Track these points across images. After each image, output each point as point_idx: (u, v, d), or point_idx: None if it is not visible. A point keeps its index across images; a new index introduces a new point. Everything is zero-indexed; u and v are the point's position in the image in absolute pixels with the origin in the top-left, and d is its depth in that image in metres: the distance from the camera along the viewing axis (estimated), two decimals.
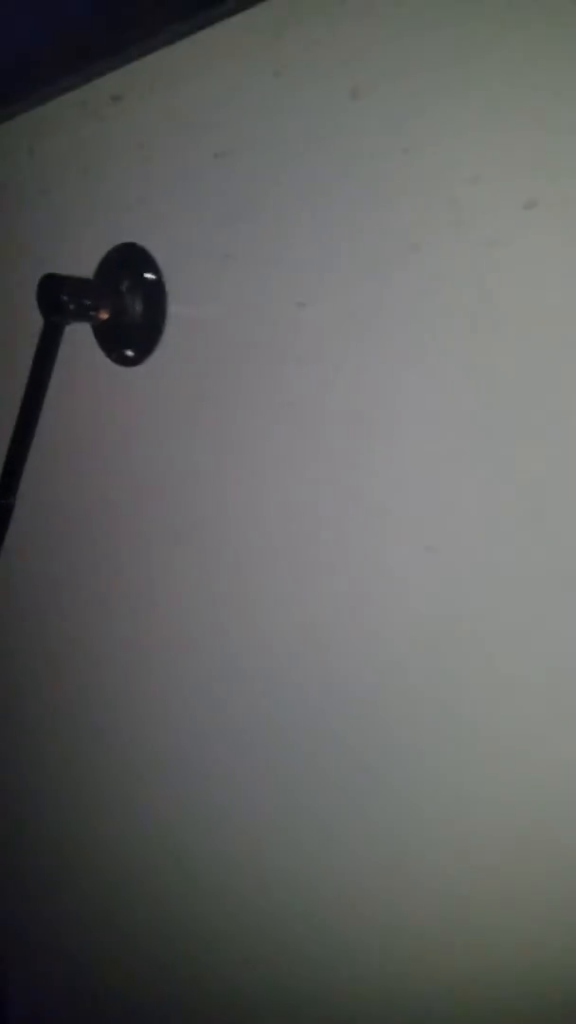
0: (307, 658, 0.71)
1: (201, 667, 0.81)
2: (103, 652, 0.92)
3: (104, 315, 0.79)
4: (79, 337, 0.83)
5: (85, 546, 0.92)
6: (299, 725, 0.73)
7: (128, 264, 0.80)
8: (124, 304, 0.80)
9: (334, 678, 0.69)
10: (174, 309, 0.79)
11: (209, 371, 0.77)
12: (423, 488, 0.61)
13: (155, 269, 0.78)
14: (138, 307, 0.80)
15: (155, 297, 0.79)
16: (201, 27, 0.70)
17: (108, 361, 0.84)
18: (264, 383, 0.72)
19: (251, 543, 0.75)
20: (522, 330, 0.55)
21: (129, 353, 0.82)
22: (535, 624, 0.56)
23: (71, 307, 0.77)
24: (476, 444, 0.58)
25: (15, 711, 1.06)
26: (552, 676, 0.55)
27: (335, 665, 0.69)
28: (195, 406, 0.78)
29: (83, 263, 0.83)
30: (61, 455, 0.90)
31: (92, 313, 0.79)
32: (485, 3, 0.54)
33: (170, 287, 0.78)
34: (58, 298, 0.76)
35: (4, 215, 0.91)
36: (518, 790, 0.58)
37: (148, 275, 0.78)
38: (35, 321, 0.79)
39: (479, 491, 0.58)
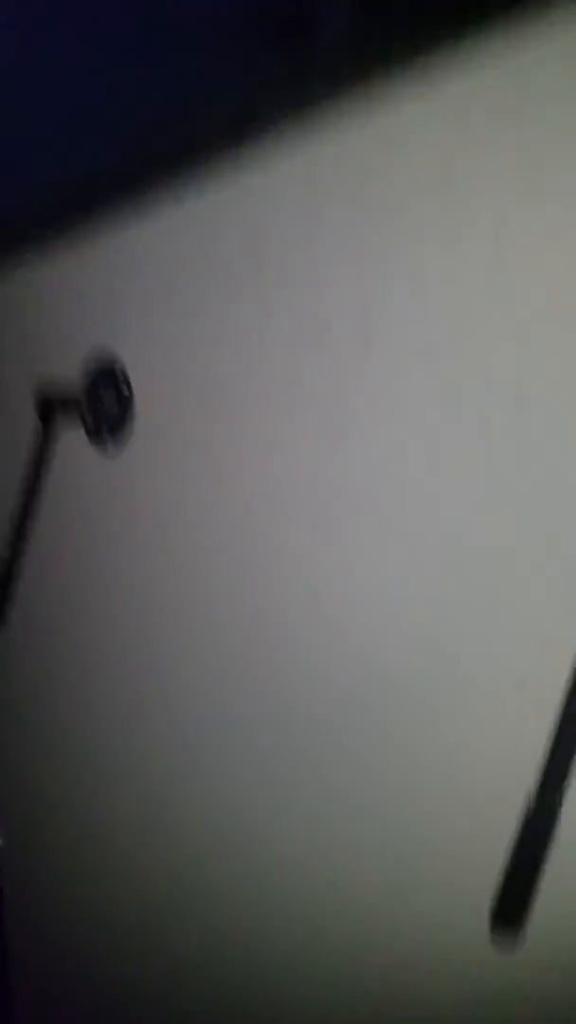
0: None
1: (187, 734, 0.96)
2: (99, 705, 1.08)
3: (89, 415, 0.96)
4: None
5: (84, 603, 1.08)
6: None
7: (106, 377, 0.97)
8: (103, 407, 0.96)
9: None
10: (141, 397, 0.96)
11: (169, 458, 0.93)
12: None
13: (125, 377, 0.96)
14: (113, 405, 0.97)
15: (126, 402, 0.96)
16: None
17: (92, 450, 1.00)
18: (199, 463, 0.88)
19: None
20: None
21: (107, 444, 0.99)
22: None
23: (61, 416, 0.94)
24: None
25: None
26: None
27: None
28: (153, 482, 0.95)
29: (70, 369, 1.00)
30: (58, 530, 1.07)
31: (77, 417, 0.96)
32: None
33: (137, 394, 0.95)
34: (51, 409, 0.93)
35: (9, 340, 1.09)
36: None
37: (123, 389, 0.96)
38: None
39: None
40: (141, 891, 1.04)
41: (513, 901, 0.61)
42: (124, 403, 0.96)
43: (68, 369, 1.00)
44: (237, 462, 0.85)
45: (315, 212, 0.75)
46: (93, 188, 0.94)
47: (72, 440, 1.00)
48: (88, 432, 1.00)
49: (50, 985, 1.21)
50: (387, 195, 0.70)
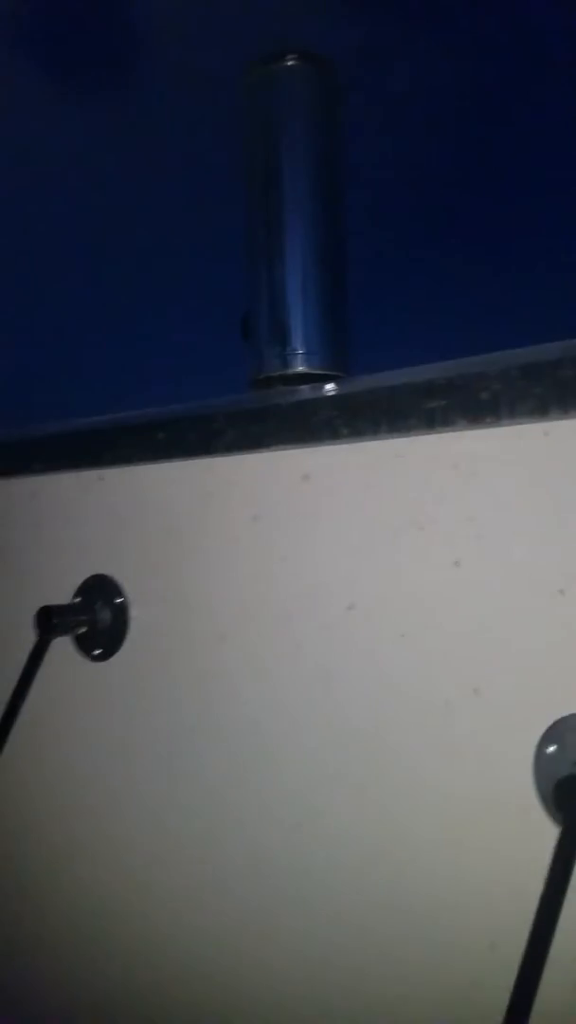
0: None
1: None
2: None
3: (82, 629, 1.06)
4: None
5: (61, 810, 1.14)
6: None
7: (100, 589, 1.07)
8: (97, 618, 1.06)
9: None
10: (135, 614, 1.06)
11: (156, 666, 1.03)
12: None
13: (120, 592, 1.06)
14: (107, 618, 1.06)
15: (120, 611, 1.06)
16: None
17: (81, 657, 1.09)
18: (191, 684, 0.98)
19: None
20: None
21: (98, 652, 1.08)
22: None
23: (59, 627, 1.04)
24: None
25: None
26: None
27: None
28: (145, 693, 1.04)
29: (64, 588, 1.11)
30: (40, 732, 1.14)
31: (74, 628, 1.05)
32: None
33: (131, 602, 1.05)
34: (50, 623, 1.02)
35: (7, 550, 1.18)
36: None
37: (117, 599, 1.05)
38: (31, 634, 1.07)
39: None
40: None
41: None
42: (119, 618, 1.07)
43: (67, 588, 1.11)
44: (228, 692, 0.97)
45: (310, 499, 0.91)
46: (104, 433, 1.08)
47: (67, 652, 1.10)
48: (81, 643, 1.10)
49: None
50: (375, 506, 0.87)
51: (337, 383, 0.95)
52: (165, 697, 1.04)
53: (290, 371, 1.53)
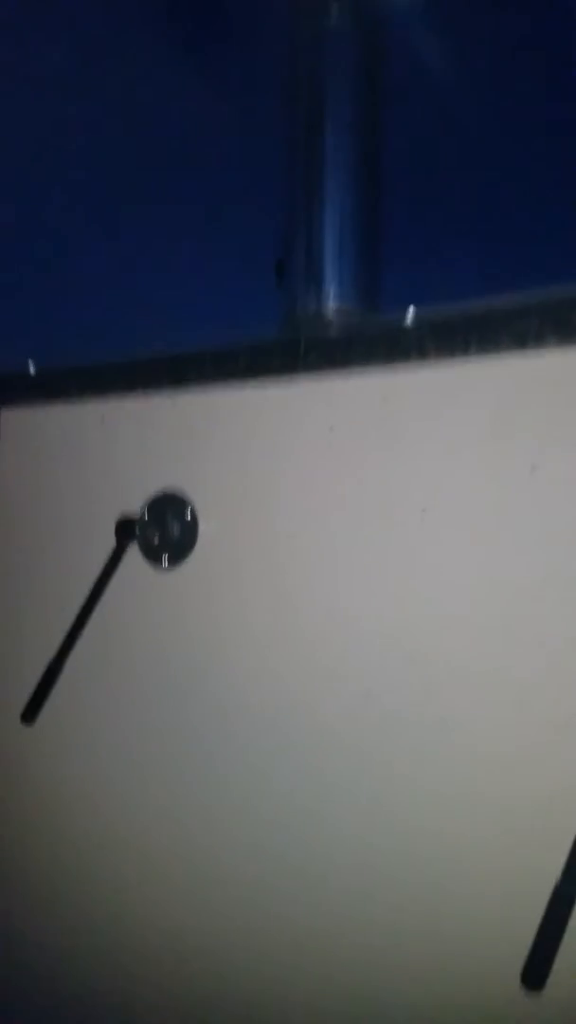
0: None
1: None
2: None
3: (156, 539, 1.12)
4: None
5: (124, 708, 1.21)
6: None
7: (171, 502, 1.14)
8: (167, 530, 1.13)
9: None
10: (204, 527, 1.13)
11: (225, 575, 1.10)
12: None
13: (190, 506, 1.12)
14: (177, 531, 1.13)
15: (190, 523, 1.12)
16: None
17: (150, 567, 1.16)
18: (259, 582, 1.06)
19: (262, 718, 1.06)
20: None
21: (166, 562, 1.14)
22: None
23: (135, 535, 1.10)
24: None
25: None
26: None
27: None
28: (213, 598, 1.11)
29: (134, 503, 1.17)
30: (108, 634, 1.20)
31: (148, 539, 1.12)
32: None
33: (201, 515, 1.12)
34: (131, 531, 1.08)
35: (80, 468, 1.24)
36: None
37: (186, 512, 1.12)
38: (103, 541, 1.13)
39: None
40: None
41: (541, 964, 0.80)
42: (188, 531, 1.13)
43: (137, 502, 1.17)
44: (297, 597, 1.04)
45: (388, 419, 0.98)
46: (181, 359, 1.14)
47: (140, 560, 1.16)
48: (149, 553, 1.16)
49: None
50: (453, 419, 0.94)
51: (419, 309, 1.01)
52: (233, 599, 1.11)
53: (323, 308, 1.60)
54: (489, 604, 0.91)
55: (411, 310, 0.97)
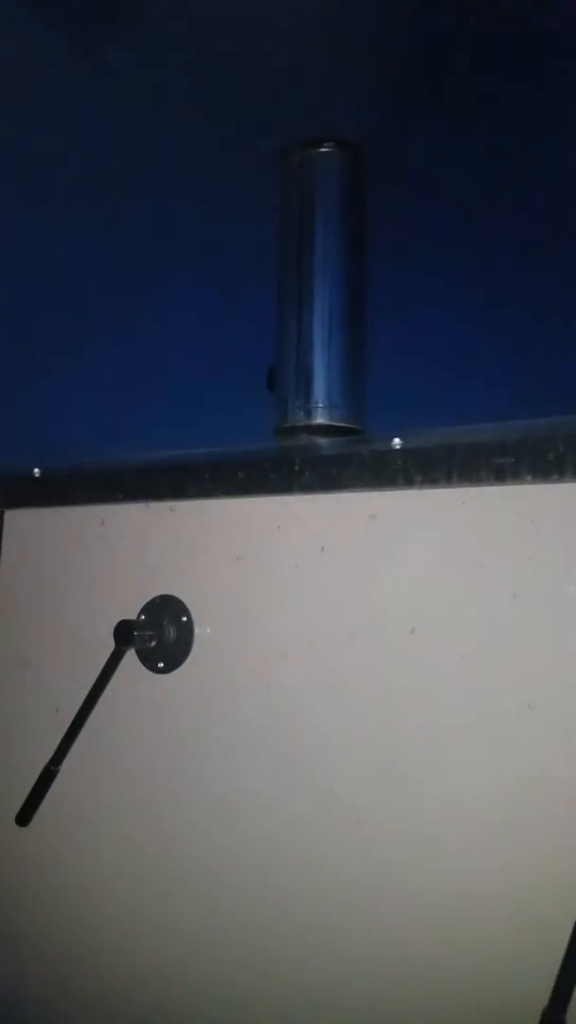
0: None
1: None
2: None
3: (152, 643, 1.17)
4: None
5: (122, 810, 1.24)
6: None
7: (168, 607, 1.19)
8: (164, 634, 1.18)
9: None
10: (199, 631, 1.18)
11: (220, 683, 1.14)
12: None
13: (187, 612, 1.17)
14: (173, 635, 1.18)
15: (186, 628, 1.18)
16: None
17: (145, 670, 1.20)
18: (253, 696, 1.10)
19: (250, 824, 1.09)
20: None
21: (161, 665, 1.19)
22: None
23: (134, 639, 1.15)
24: None
25: None
26: None
27: None
28: (208, 704, 1.15)
29: (131, 607, 1.23)
30: (103, 737, 1.24)
31: (145, 642, 1.16)
32: None
33: (197, 620, 1.17)
34: (130, 635, 1.13)
35: (80, 571, 1.29)
36: None
37: (183, 617, 1.17)
38: (99, 644, 1.18)
39: None
40: None
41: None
42: (185, 637, 1.19)
43: (134, 606, 1.23)
44: (290, 705, 1.09)
45: (377, 539, 1.05)
46: (182, 469, 1.21)
47: (137, 664, 1.21)
48: (146, 657, 1.21)
49: None
50: (439, 544, 1.00)
51: (404, 437, 1.08)
52: (227, 708, 1.16)
53: (312, 423, 1.68)
54: (478, 726, 0.96)
55: (396, 439, 1.04)
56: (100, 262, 1.97)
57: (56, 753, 1.20)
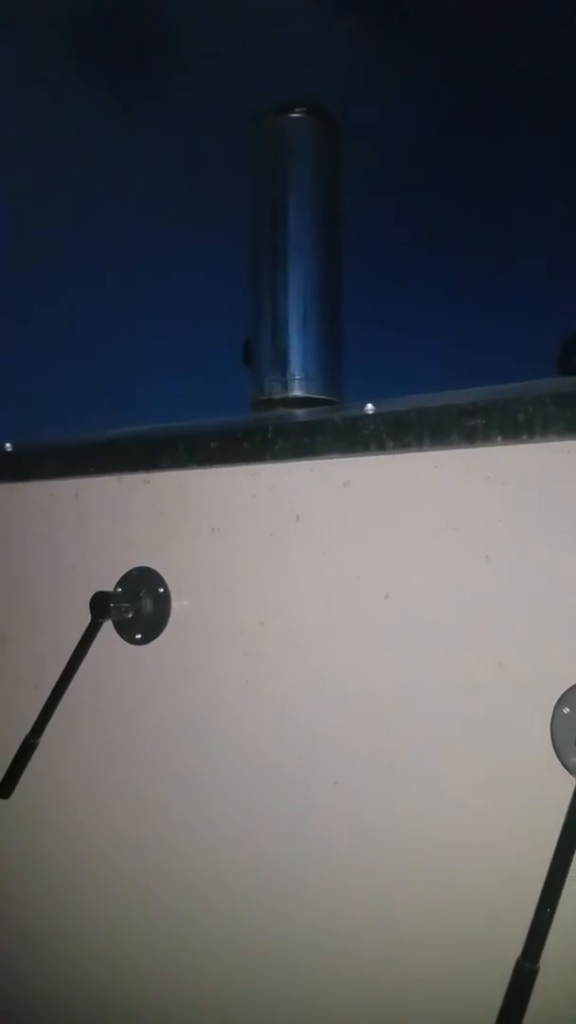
0: None
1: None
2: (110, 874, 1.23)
3: (130, 615, 1.16)
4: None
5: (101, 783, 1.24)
6: None
7: (144, 579, 1.18)
8: (141, 605, 1.18)
9: None
10: (176, 603, 1.18)
11: (197, 652, 1.14)
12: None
13: (163, 583, 1.17)
14: (150, 606, 1.18)
15: (163, 600, 1.17)
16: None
17: (123, 642, 1.20)
18: (231, 664, 1.10)
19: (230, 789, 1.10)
20: None
21: (139, 637, 1.18)
22: None
23: (111, 611, 1.14)
24: None
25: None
26: None
27: None
28: (186, 673, 1.15)
29: (107, 580, 1.22)
30: (82, 708, 1.24)
31: (122, 614, 1.16)
32: None
33: (173, 592, 1.17)
34: (107, 607, 1.13)
35: (55, 545, 1.29)
36: None
37: (159, 588, 1.17)
38: (76, 617, 1.17)
39: None
40: None
41: None
42: (161, 608, 1.19)
43: (110, 579, 1.23)
44: (268, 672, 1.10)
45: (351, 506, 1.05)
46: (156, 440, 1.20)
47: (114, 635, 1.21)
48: (123, 628, 1.21)
49: None
50: (412, 509, 1.01)
51: (377, 403, 1.08)
52: (204, 677, 1.16)
53: (289, 395, 1.68)
54: (450, 685, 0.97)
55: (368, 405, 1.04)
56: (85, 239, 1.95)
57: (35, 726, 1.20)
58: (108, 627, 1.23)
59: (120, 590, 1.23)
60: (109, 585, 1.25)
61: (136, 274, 1.81)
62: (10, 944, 1.34)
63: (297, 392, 1.68)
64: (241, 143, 1.78)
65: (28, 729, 1.19)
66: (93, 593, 1.19)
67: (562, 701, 0.90)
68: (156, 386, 1.81)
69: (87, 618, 1.20)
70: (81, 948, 1.26)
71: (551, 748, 0.90)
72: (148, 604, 1.21)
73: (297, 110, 1.75)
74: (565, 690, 0.90)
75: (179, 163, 1.85)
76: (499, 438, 0.92)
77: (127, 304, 1.81)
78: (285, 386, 1.69)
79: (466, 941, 0.96)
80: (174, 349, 1.83)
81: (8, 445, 1.42)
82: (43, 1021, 1.30)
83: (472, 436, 0.93)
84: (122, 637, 1.22)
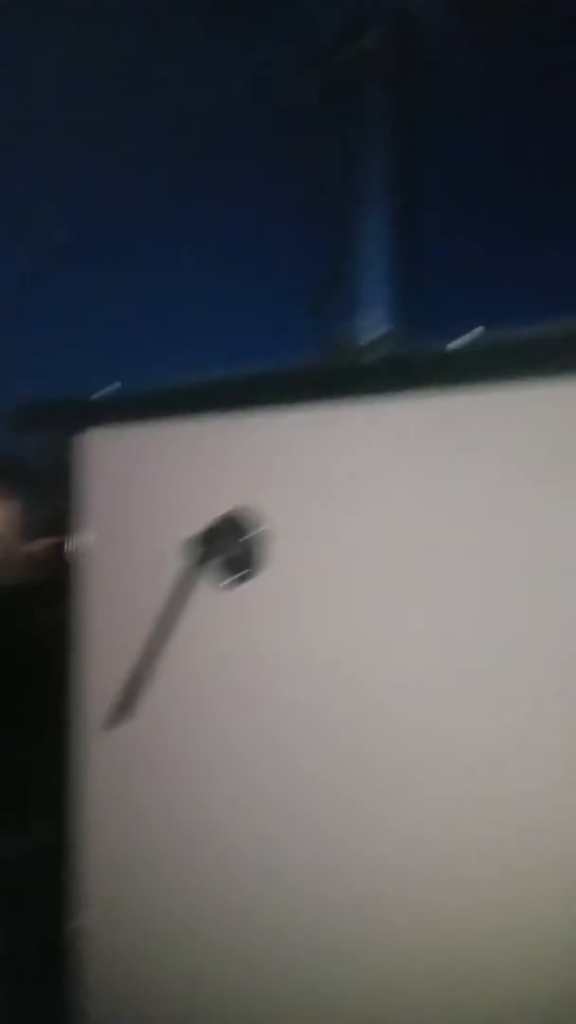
0: None
1: None
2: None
3: (226, 556, 1.20)
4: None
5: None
6: None
7: (241, 521, 1.22)
8: (238, 547, 1.21)
9: None
10: (274, 544, 1.21)
11: (293, 594, 1.18)
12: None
13: (260, 524, 1.20)
14: (248, 548, 1.21)
15: (260, 542, 1.21)
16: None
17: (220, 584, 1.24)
18: (330, 609, 1.14)
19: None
20: None
21: (236, 578, 1.22)
22: None
23: (209, 553, 1.19)
24: None
25: None
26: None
27: None
28: (284, 614, 1.19)
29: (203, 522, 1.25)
30: (179, 650, 1.27)
31: (220, 554, 1.20)
32: None
33: (271, 534, 1.21)
34: (205, 548, 1.17)
35: (154, 488, 1.33)
36: None
37: (255, 530, 1.19)
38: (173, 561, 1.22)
39: None
40: None
41: None
42: (256, 550, 1.21)
43: (206, 521, 1.24)
44: (370, 611, 1.12)
45: (455, 443, 1.05)
46: (254, 382, 1.22)
47: (210, 578, 1.24)
48: (220, 570, 1.23)
49: None
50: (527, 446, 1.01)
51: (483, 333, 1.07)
52: (303, 619, 1.18)
53: (363, 335, 1.67)
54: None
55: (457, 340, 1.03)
56: (135, 187, 1.95)
57: (140, 660, 1.24)
58: (205, 569, 1.26)
59: (216, 531, 1.25)
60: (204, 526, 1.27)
61: (209, 229, 1.81)
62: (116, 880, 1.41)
63: (372, 336, 1.67)
64: (316, 71, 1.75)
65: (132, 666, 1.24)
66: (190, 536, 1.23)
67: None
68: (219, 337, 1.81)
69: (185, 561, 1.23)
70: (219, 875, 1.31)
71: None
72: (244, 546, 1.22)
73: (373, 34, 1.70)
74: None
75: (247, 94, 1.82)
76: None
77: (191, 252, 1.82)
78: (358, 328, 1.68)
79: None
80: (243, 296, 1.83)
81: (113, 389, 1.42)
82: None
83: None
84: (219, 579, 1.25)
